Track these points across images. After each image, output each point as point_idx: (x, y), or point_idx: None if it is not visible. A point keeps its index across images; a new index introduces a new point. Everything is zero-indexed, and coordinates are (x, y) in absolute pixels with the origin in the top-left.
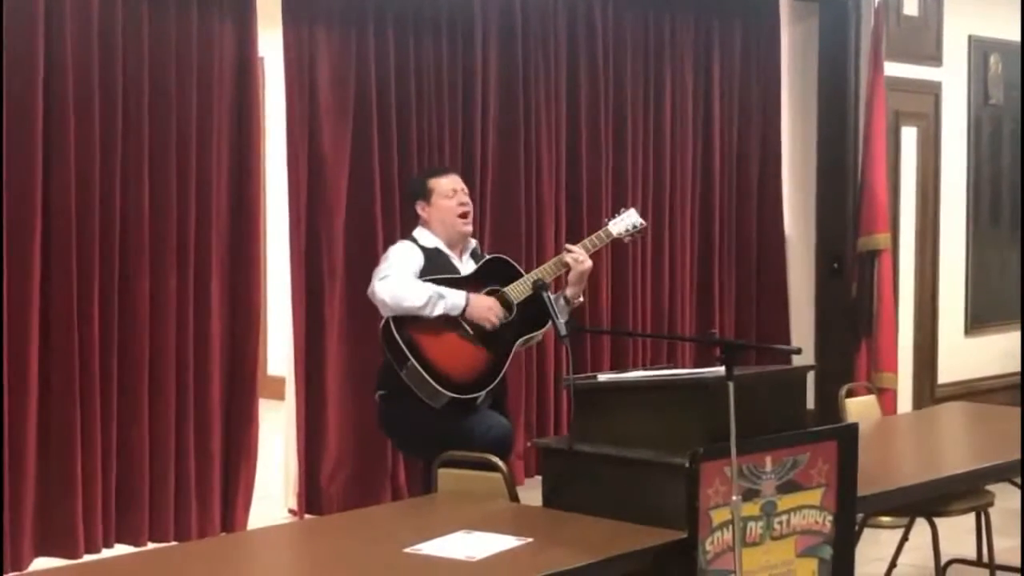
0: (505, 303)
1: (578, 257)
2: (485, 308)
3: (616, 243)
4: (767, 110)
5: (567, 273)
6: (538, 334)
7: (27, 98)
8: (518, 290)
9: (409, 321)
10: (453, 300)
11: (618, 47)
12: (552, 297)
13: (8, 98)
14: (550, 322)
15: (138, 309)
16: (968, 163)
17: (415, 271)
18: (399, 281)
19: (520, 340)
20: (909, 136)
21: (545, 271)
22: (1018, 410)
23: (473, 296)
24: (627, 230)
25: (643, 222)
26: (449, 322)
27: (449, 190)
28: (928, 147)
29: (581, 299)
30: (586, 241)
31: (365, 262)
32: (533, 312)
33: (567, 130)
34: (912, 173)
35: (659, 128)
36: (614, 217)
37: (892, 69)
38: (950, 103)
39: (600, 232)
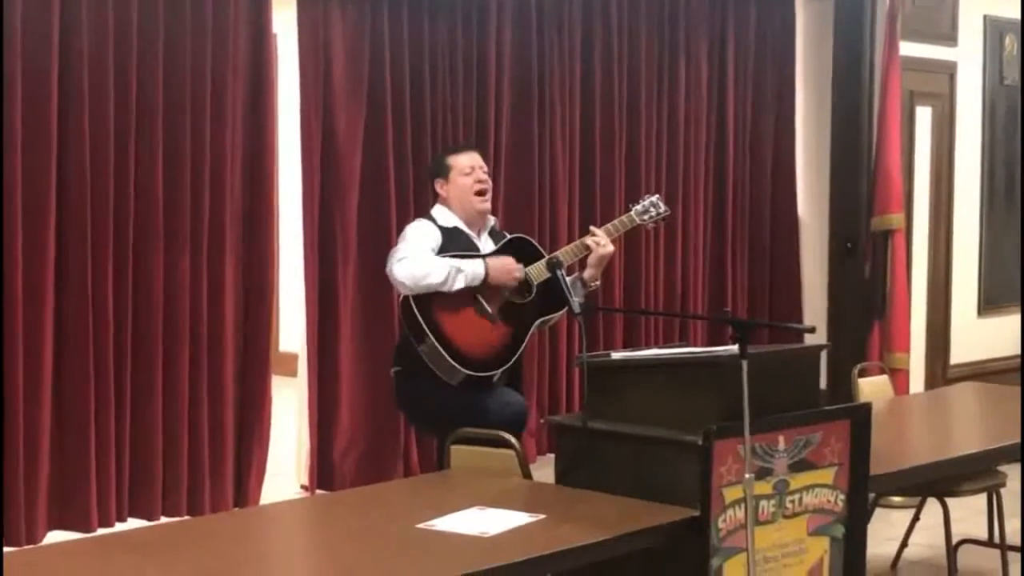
0: (525, 283)
1: (599, 240)
2: (505, 270)
3: (635, 226)
4: (781, 90)
5: (587, 256)
6: (557, 315)
7: (41, 76)
8: (538, 270)
9: (429, 298)
10: (473, 270)
11: (632, 26)
12: (567, 276)
13: (23, 75)
14: (567, 295)
15: (152, 286)
16: (983, 143)
17: (432, 249)
18: (417, 260)
19: (539, 321)
20: (924, 116)
21: (566, 253)
22: None
23: (491, 260)
24: (650, 216)
25: (666, 208)
26: (469, 300)
27: (467, 167)
28: (943, 127)
29: (598, 282)
30: (609, 226)
31: (378, 240)
32: (553, 293)
33: (581, 110)
34: (926, 153)
35: (673, 108)
36: (638, 203)
37: (907, 49)
38: (965, 83)
39: (623, 217)
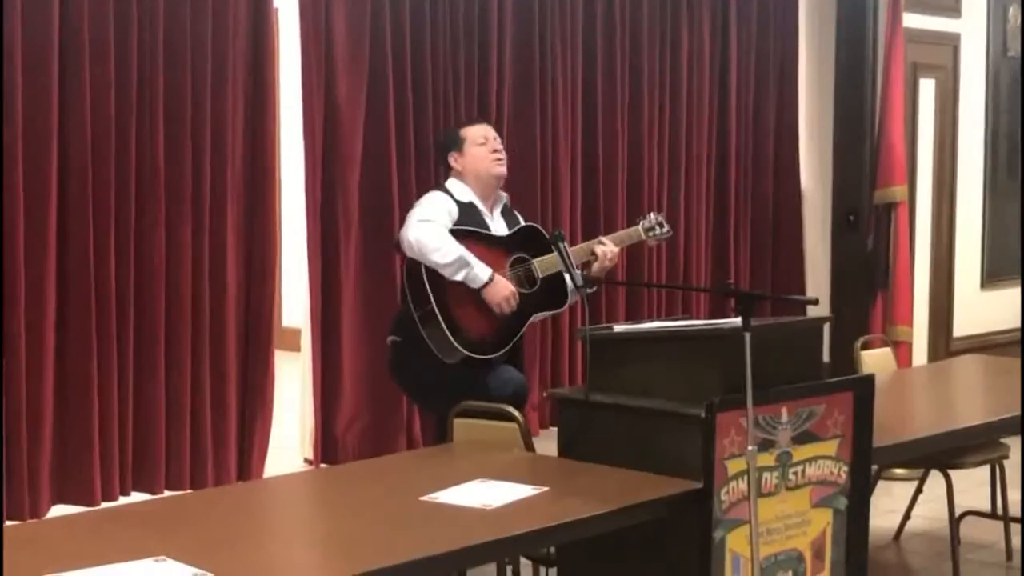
0: (529, 275)
1: (607, 253)
2: (502, 296)
3: (638, 241)
4: (784, 61)
5: (590, 260)
6: (554, 312)
7: (40, 47)
8: (545, 264)
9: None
10: (477, 272)
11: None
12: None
13: (22, 48)
14: (567, 292)
15: (154, 260)
16: (986, 115)
17: (452, 218)
18: (437, 232)
19: (538, 313)
20: (927, 88)
21: (574, 253)
22: None
23: (498, 277)
24: (654, 235)
25: (669, 229)
26: None
27: (481, 136)
28: (946, 99)
29: (601, 283)
30: (614, 236)
31: (380, 214)
32: (554, 290)
33: (583, 85)
34: (930, 125)
35: (676, 79)
36: (644, 219)
37: (911, 20)
38: (969, 55)
39: (630, 230)
